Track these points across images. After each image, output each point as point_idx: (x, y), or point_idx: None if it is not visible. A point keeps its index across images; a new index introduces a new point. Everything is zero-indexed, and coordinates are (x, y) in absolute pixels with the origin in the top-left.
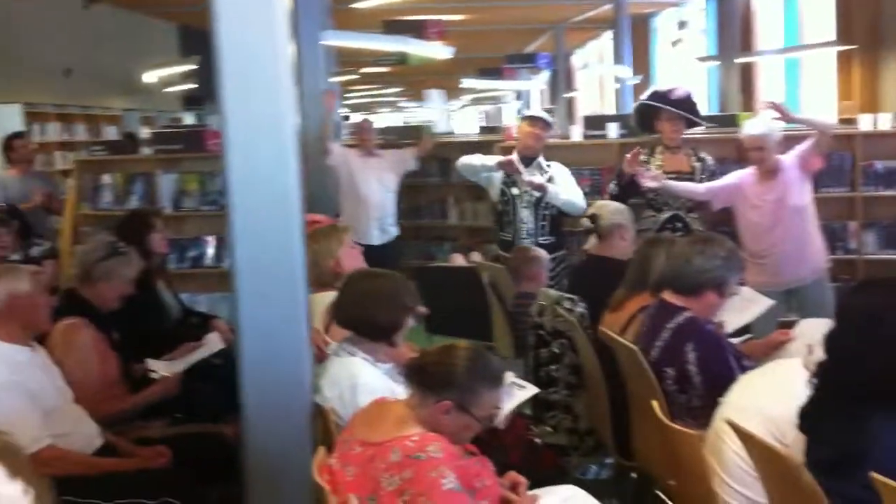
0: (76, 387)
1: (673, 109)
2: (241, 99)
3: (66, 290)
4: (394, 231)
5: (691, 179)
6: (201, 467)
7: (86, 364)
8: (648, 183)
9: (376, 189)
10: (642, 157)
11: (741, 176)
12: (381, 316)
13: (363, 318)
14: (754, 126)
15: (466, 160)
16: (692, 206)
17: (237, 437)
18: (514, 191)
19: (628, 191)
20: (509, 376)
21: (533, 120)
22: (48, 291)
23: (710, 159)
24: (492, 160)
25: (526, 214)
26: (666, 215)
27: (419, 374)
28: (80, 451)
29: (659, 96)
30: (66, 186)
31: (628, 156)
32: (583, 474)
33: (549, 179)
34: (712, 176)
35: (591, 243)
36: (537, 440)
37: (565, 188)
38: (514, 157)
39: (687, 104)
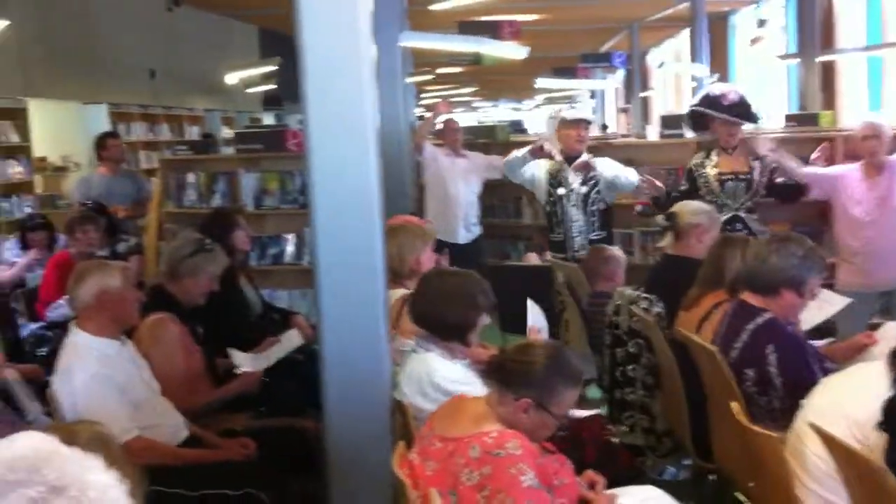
0: (163, 380)
1: (725, 116)
2: (323, 99)
3: (153, 285)
4: (477, 230)
5: (750, 179)
6: (283, 460)
7: (172, 358)
8: (763, 150)
9: (463, 188)
10: (696, 161)
11: (846, 169)
12: (453, 315)
13: (435, 317)
14: (872, 115)
15: (510, 157)
16: (752, 207)
17: (318, 431)
18: (561, 190)
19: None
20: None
21: (575, 122)
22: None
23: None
24: (525, 150)
25: (575, 212)
26: (726, 216)
27: (499, 372)
28: (166, 443)
29: (711, 101)
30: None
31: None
32: (659, 475)
33: (594, 175)
34: (773, 172)
35: (667, 242)
36: (614, 440)
37: (611, 165)
38: (547, 145)
39: (741, 107)
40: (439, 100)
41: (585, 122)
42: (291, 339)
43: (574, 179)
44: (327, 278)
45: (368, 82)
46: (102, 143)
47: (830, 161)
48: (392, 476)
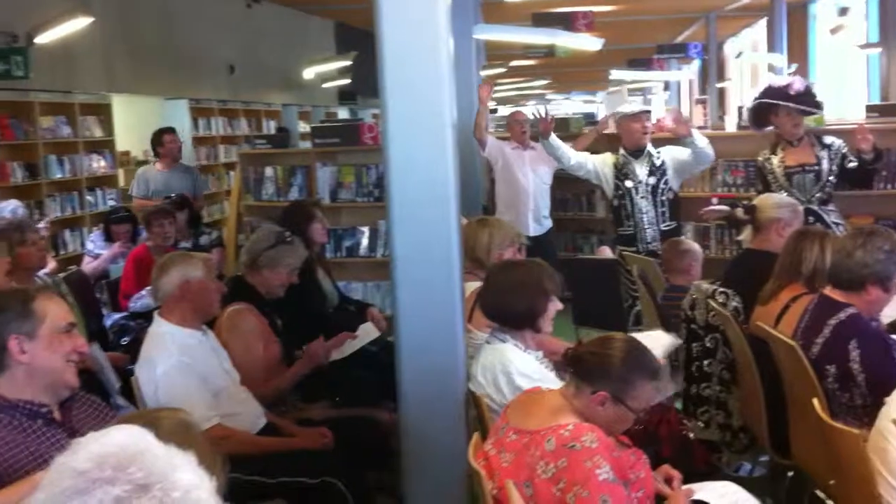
0: (242, 369)
1: (793, 106)
2: (402, 92)
3: (233, 276)
4: (548, 223)
5: (818, 170)
6: (359, 450)
7: (251, 348)
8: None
9: (532, 178)
10: (762, 157)
11: None
12: (520, 304)
13: (505, 308)
14: None
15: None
16: (825, 199)
17: (393, 421)
18: (629, 183)
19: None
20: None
21: (637, 115)
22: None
23: (837, 142)
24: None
25: (644, 204)
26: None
27: (576, 365)
28: (245, 431)
29: (776, 92)
30: (210, 180)
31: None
32: (734, 471)
33: (661, 164)
34: (844, 159)
35: (746, 236)
36: (690, 434)
37: (679, 149)
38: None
39: (807, 97)
40: (486, 83)
41: (646, 114)
42: (368, 333)
43: (641, 171)
44: (403, 270)
45: (447, 75)
46: (159, 140)
47: None
48: (467, 467)
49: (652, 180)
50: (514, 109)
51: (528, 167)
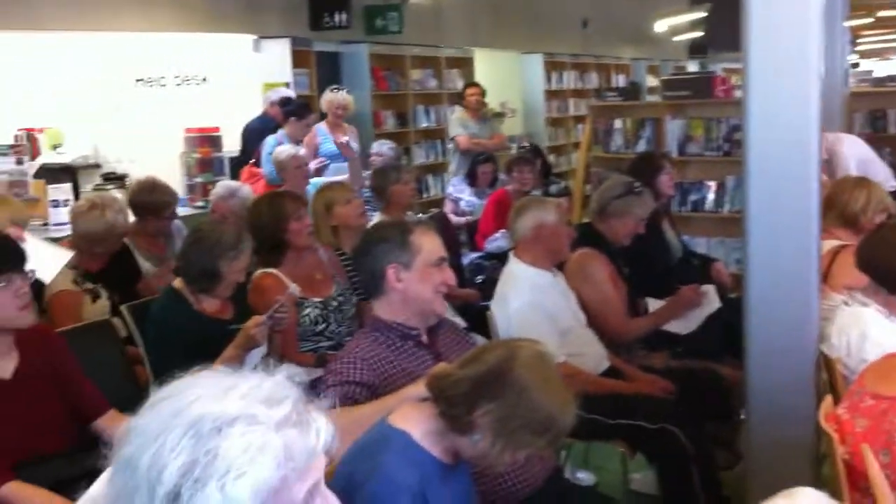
0: (590, 311)
1: None
2: (767, 43)
3: (582, 223)
4: None
5: None
6: (699, 402)
7: (599, 291)
8: None
9: None
10: None
11: None
12: None
13: (887, 267)
14: None
15: None
16: None
17: (734, 377)
18: None
19: None
20: None
21: None
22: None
23: None
24: None
25: None
26: None
27: None
28: (590, 371)
29: None
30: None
31: None
32: None
33: None
34: None
35: None
36: None
37: None
38: None
39: None
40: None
41: None
42: (711, 301)
43: None
44: (757, 225)
45: (815, 22)
46: (463, 94)
47: None
48: (815, 429)
49: None
50: None
51: None
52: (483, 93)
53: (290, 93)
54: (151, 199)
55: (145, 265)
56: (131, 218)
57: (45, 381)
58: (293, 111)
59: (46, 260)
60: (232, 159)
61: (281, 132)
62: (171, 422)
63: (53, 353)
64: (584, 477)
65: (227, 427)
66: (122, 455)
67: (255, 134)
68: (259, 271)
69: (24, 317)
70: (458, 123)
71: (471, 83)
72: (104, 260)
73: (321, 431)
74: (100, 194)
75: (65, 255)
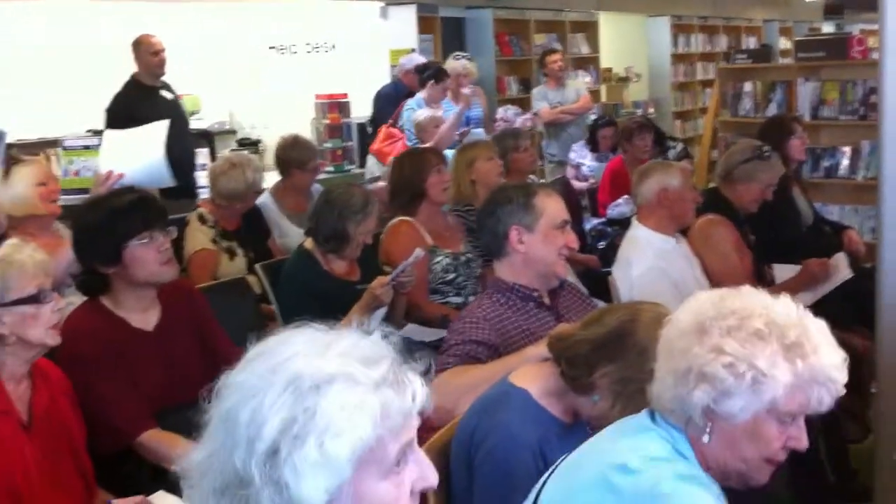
0: (715, 278)
1: None
2: None
3: (708, 188)
4: None
5: None
6: None
7: (724, 257)
8: None
9: None
10: None
11: None
12: None
13: None
14: None
15: None
16: None
17: (865, 348)
18: None
19: None
20: None
21: None
22: None
23: None
24: None
25: None
26: None
27: None
28: None
29: None
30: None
31: None
32: None
33: None
34: None
35: None
36: None
37: None
38: None
39: None
40: None
41: None
42: (840, 272)
43: None
44: (893, 192)
45: None
46: (543, 61)
47: None
48: None
49: None
50: None
51: None
52: (562, 57)
53: (421, 58)
54: (295, 153)
55: (285, 224)
56: (269, 179)
57: (186, 335)
58: (432, 74)
59: (145, 140)
60: (360, 125)
61: (419, 95)
62: (270, 378)
63: (194, 308)
64: None
65: (325, 385)
66: (220, 409)
67: (387, 100)
68: (396, 218)
69: (166, 272)
70: (538, 97)
71: (551, 50)
72: (239, 219)
73: (417, 393)
74: (237, 153)
75: (162, 125)
